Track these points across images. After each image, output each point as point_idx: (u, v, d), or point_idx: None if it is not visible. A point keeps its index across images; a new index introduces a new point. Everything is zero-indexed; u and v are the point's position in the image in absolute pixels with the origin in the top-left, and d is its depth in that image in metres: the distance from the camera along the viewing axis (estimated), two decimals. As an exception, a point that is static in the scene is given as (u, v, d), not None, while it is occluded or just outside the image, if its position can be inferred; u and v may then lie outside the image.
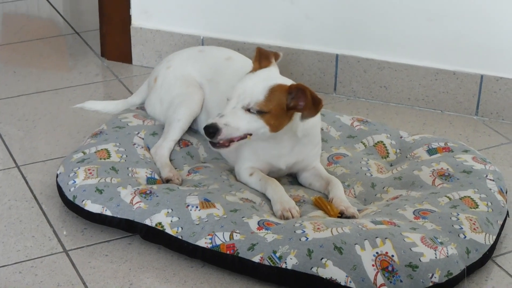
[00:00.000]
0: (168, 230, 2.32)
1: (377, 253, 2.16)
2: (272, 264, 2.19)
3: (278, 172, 2.57)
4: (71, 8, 4.27)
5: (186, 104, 2.73)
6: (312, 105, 2.32)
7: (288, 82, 2.41)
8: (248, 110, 2.35)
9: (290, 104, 2.35)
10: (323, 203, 2.43)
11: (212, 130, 2.32)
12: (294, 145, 2.50)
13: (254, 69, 2.44)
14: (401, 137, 2.81)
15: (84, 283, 2.23)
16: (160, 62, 2.96)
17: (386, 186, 2.56)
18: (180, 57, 2.88)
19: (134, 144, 2.68)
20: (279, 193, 2.44)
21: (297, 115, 2.39)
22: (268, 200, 2.46)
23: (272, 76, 2.41)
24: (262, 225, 2.28)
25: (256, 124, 2.36)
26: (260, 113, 2.34)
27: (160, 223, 2.33)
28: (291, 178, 2.64)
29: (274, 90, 2.35)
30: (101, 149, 2.62)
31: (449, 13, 3.07)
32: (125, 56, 3.53)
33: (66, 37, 3.86)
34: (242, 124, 2.35)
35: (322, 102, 2.34)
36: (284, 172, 2.59)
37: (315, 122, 2.51)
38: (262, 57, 2.47)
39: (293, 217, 2.36)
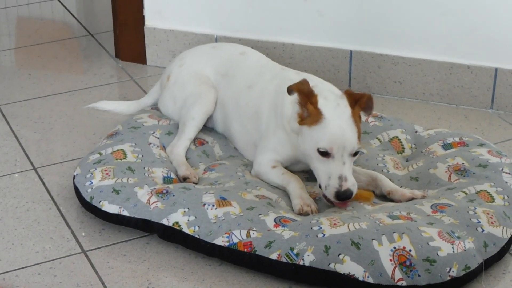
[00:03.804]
0: (185, 229, 2.33)
1: (394, 248, 2.16)
2: (290, 261, 2.19)
3: (297, 166, 2.56)
4: (84, 10, 4.29)
5: (200, 103, 2.74)
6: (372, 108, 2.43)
7: (333, 94, 2.44)
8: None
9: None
10: (359, 192, 2.41)
11: (345, 197, 2.34)
12: None
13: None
14: (416, 131, 2.81)
15: (103, 283, 2.24)
16: (173, 60, 2.97)
17: (403, 186, 2.55)
18: (192, 55, 2.89)
19: (150, 143, 2.69)
20: (300, 189, 2.44)
21: None
22: (285, 197, 2.46)
23: (342, 107, 2.39)
24: (278, 222, 2.29)
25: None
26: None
27: (177, 223, 2.34)
28: (307, 175, 2.63)
29: (356, 122, 2.37)
30: (117, 150, 2.63)
31: (462, 7, 3.06)
32: (139, 56, 3.54)
33: (80, 39, 3.87)
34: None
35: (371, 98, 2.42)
36: (302, 167, 2.58)
37: None
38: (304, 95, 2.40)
39: (312, 213, 2.37)
